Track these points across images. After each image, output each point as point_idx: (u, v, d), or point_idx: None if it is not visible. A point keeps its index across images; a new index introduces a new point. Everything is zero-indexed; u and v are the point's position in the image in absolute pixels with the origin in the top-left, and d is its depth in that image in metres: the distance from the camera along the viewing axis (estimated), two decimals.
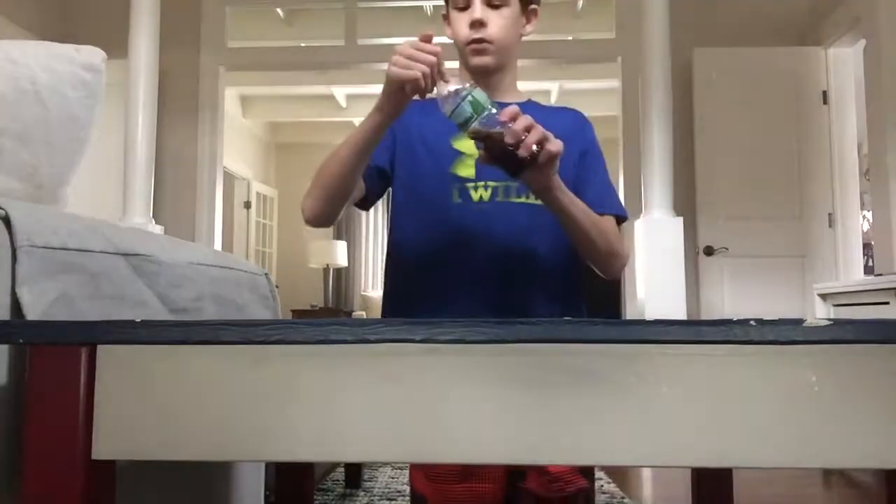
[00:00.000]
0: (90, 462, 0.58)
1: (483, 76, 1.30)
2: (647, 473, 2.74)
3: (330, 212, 1.23)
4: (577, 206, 1.19)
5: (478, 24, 1.26)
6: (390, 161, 1.33)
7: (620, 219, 1.32)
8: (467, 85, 1.04)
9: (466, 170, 1.28)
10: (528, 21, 1.34)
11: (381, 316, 1.31)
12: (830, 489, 2.50)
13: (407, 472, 2.63)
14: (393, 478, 2.55)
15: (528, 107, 1.33)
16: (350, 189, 1.22)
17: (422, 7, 5.24)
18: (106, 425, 0.59)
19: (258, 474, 1.31)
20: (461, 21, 1.29)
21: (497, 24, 1.27)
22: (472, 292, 1.24)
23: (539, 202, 1.22)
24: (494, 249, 1.24)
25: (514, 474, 1.21)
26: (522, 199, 1.27)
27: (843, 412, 0.55)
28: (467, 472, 1.19)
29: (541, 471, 1.19)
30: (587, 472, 1.22)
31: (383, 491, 2.33)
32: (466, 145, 1.26)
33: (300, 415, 0.57)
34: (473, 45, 1.28)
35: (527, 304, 1.24)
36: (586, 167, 1.33)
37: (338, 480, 2.45)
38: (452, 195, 1.28)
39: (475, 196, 1.27)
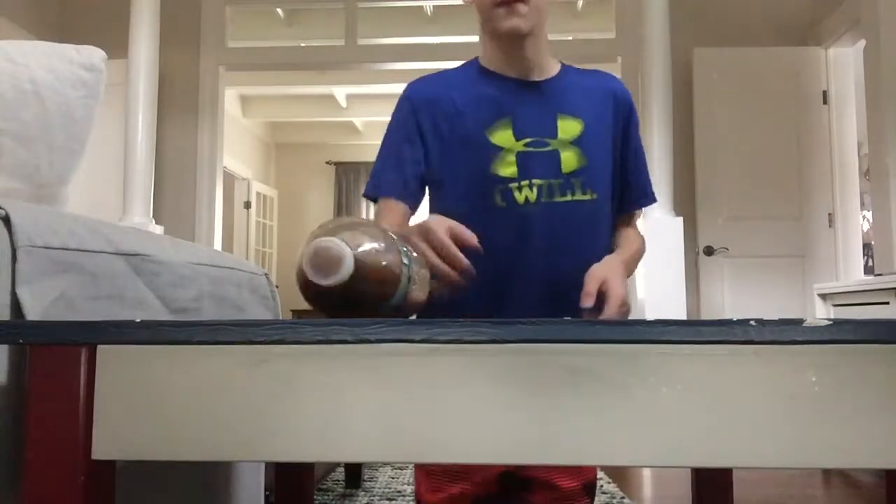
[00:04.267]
0: (90, 462, 0.58)
1: (514, 43, 1.17)
2: (647, 473, 2.74)
3: None
4: (631, 264, 1.23)
5: None
6: (425, 170, 1.21)
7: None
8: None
9: (507, 168, 1.16)
10: None
11: None
12: (830, 489, 2.50)
13: (407, 472, 2.63)
14: (393, 478, 2.55)
15: (567, 71, 1.27)
16: None
17: (422, 7, 5.24)
18: (106, 425, 0.59)
19: (258, 474, 1.31)
20: None
21: None
22: (521, 298, 1.16)
23: (582, 197, 1.18)
24: (542, 254, 1.16)
25: (518, 483, 1.18)
26: (568, 198, 1.17)
27: (843, 412, 0.55)
28: (461, 474, 1.17)
29: (550, 486, 1.17)
30: (591, 490, 1.21)
31: (383, 491, 2.33)
32: (504, 138, 1.17)
33: (300, 415, 0.57)
34: (504, 7, 1.12)
35: (574, 305, 1.12)
36: (631, 147, 1.27)
37: (338, 480, 2.45)
38: (495, 198, 1.16)
39: (520, 198, 1.15)
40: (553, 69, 1.24)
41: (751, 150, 4.14)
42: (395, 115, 1.24)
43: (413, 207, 1.21)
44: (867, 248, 4.35)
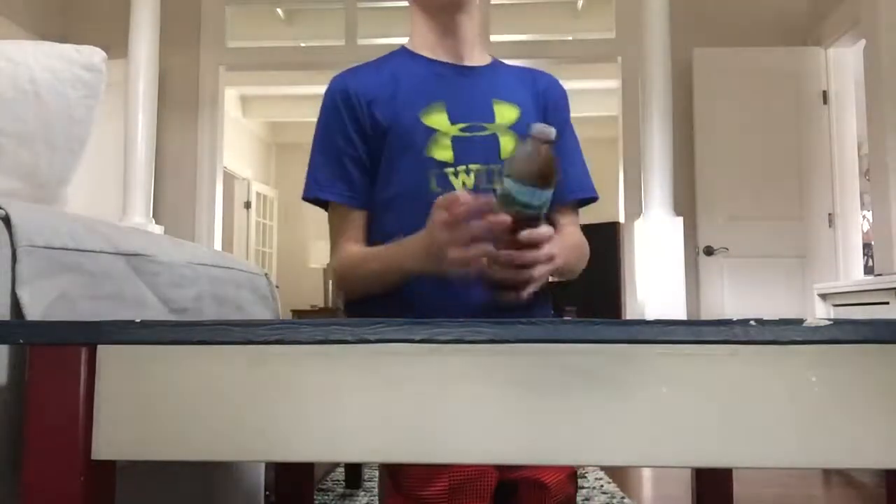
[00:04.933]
0: (90, 462, 0.58)
1: (450, 17, 1.15)
2: (647, 473, 2.74)
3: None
4: (565, 250, 1.10)
5: None
6: (368, 166, 1.17)
7: (592, 201, 1.24)
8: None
9: (443, 152, 1.11)
10: None
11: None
12: (830, 489, 2.50)
13: None
14: None
15: (498, 62, 1.25)
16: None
17: None
18: (106, 425, 0.59)
19: (258, 474, 1.31)
20: None
21: None
22: (463, 288, 1.07)
23: None
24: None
25: (506, 488, 1.09)
26: None
27: (843, 412, 0.55)
28: (457, 491, 1.03)
29: (539, 485, 1.14)
30: (575, 479, 1.19)
31: None
32: (439, 121, 1.13)
33: (300, 415, 0.57)
34: None
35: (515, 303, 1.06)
36: (566, 142, 1.22)
37: (338, 480, 2.45)
38: (430, 183, 1.10)
39: (457, 183, 1.11)
40: (485, 59, 1.23)
41: (751, 149, 4.14)
42: (326, 113, 1.18)
43: (366, 209, 1.15)
44: (867, 248, 4.35)
